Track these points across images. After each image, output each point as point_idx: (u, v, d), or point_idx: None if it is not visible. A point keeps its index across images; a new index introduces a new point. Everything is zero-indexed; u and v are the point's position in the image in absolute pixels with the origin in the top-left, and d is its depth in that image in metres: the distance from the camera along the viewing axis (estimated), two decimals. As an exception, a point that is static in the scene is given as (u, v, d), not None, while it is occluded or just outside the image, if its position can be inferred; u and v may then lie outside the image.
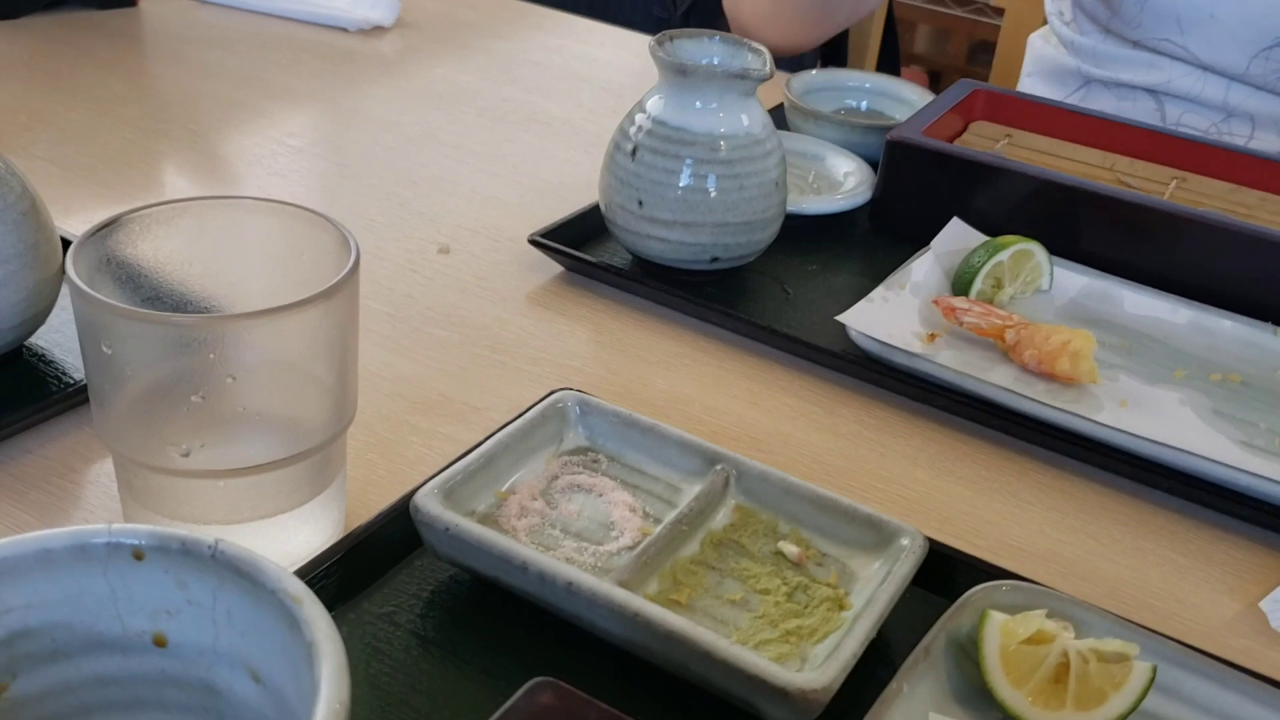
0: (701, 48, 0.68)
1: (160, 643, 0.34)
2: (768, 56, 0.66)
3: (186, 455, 0.42)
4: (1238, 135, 0.99)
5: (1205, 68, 0.98)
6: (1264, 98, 0.97)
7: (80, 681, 0.34)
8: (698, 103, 0.66)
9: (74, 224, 0.73)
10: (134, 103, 0.90)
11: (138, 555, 0.33)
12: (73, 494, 0.51)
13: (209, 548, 0.33)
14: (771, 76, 0.65)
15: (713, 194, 0.66)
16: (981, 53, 3.05)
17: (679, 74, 0.65)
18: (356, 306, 0.45)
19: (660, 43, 0.67)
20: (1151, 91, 1.02)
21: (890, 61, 1.61)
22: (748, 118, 0.66)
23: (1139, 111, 1.02)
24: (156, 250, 0.46)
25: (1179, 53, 0.98)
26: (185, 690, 0.35)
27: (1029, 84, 1.12)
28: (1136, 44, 1.01)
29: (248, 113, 0.90)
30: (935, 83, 2.95)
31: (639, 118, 0.67)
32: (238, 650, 0.34)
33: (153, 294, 0.47)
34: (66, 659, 0.34)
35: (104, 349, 0.41)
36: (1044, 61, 1.11)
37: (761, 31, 1.04)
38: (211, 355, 0.40)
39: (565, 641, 0.44)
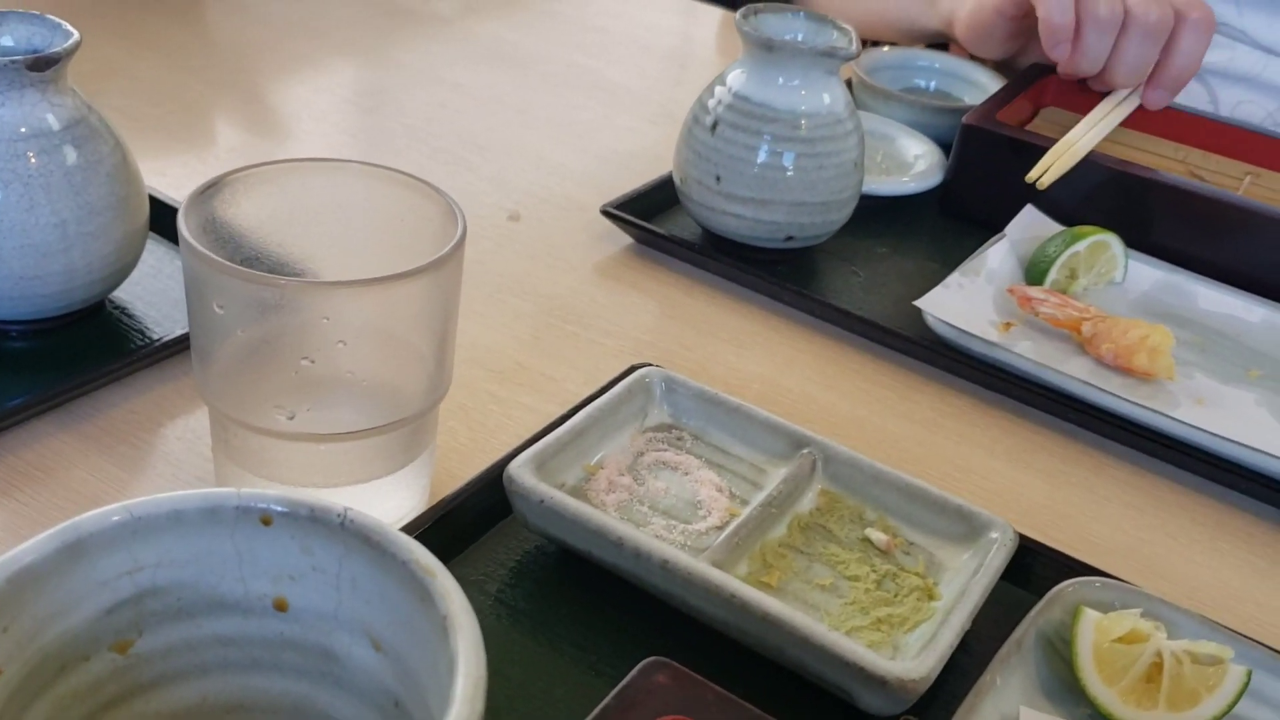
0: (786, 23, 0.68)
1: (281, 607, 0.35)
2: (854, 34, 0.66)
3: (291, 418, 0.42)
4: None
5: (1268, 50, 0.97)
6: None
7: (201, 641, 0.35)
8: (780, 79, 0.65)
9: (146, 175, 0.72)
10: (199, 53, 0.89)
11: (265, 520, 0.33)
12: (160, 449, 0.51)
13: (338, 516, 0.33)
14: (858, 55, 0.65)
15: (790, 172, 0.65)
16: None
17: (764, 49, 0.64)
18: (460, 278, 0.45)
19: (745, 16, 0.66)
20: (1204, 80, 1.01)
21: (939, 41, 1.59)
22: (830, 96, 0.66)
23: (1192, 100, 1.01)
24: (259, 210, 0.46)
25: (1238, 35, 0.97)
26: (303, 654, 0.35)
27: None
28: None
29: (312, 68, 0.90)
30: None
31: (719, 91, 0.67)
32: (360, 617, 0.34)
33: (253, 253, 0.47)
34: (190, 618, 0.34)
35: (216, 309, 0.41)
36: None
37: None
38: (325, 320, 0.41)
39: (655, 618, 0.45)
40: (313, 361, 0.42)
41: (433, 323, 0.44)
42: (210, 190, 0.44)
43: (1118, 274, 0.70)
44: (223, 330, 0.42)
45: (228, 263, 0.40)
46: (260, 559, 0.34)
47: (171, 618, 0.34)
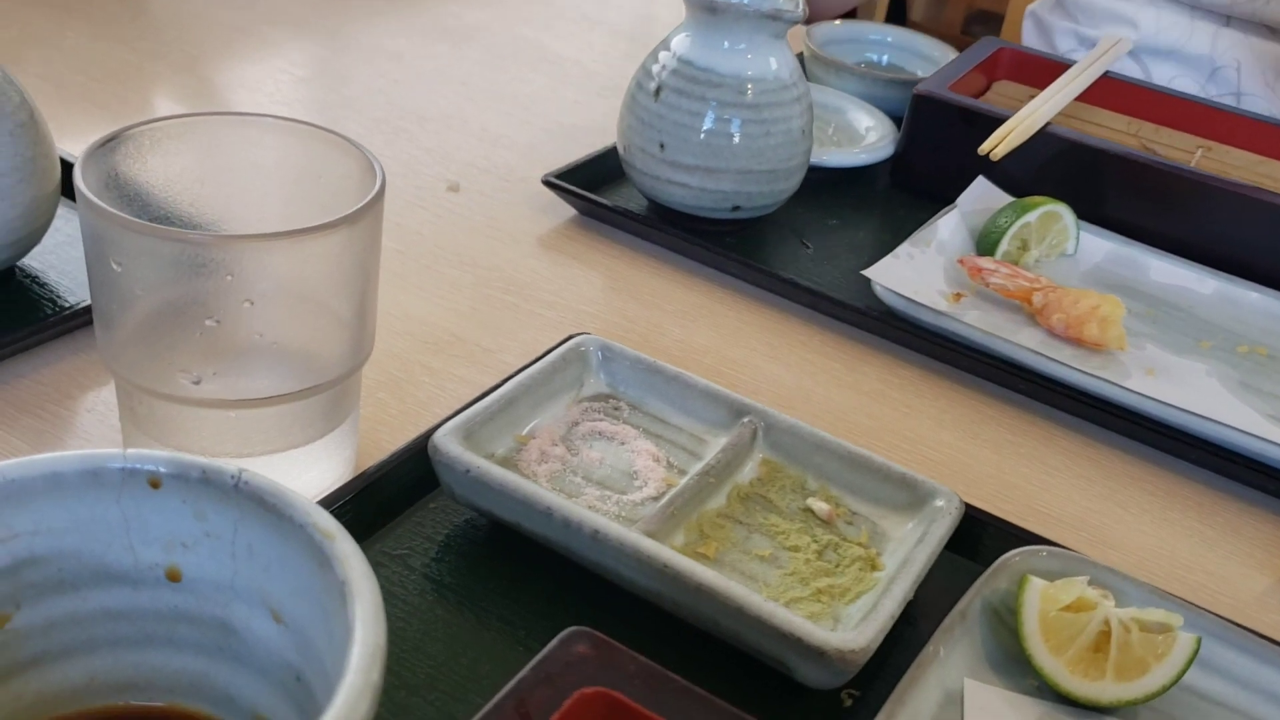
0: (731, -14, 0.66)
1: (174, 577, 0.32)
2: (801, -2, 0.64)
3: (198, 383, 0.40)
4: (1226, 96, 0.98)
5: (1194, 6, 0.96)
6: (1251, 43, 0.95)
7: (87, 615, 0.32)
8: (726, 43, 0.63)
9: (69, 144, 0.69)
10: (130, 23, 0.86)
11: (154, 483, 0.31)
12: (68, 421, 0.49)
13: (232, 477, 0.31)
14: (805, 19, 0.63)
15: (737, 139, 0.64)
16: (977, 22, 3.02)
17: (708, 12, 0.62)
18: (379, 235, 0.43)
19: (689, -21, 0.64)
20: (1138, 58, 1.00)
21: (898, 20, 1.59)
22: (776, 61, 0.64)
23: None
24: (167, 166, 0.44)
25: None
26: (198, 628, 0.33)
27: None
28: None
29: (249, 38, 0.87)
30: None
31: (664, 56, 0.65)
32: (258, 587, 0.32)
33: (161, 214, 0.44)
34: (74, 590, 0.32)
35: (114, 266, 0.39)
36: (1042, 29, 1.10)
37: None
38: (229, 277, 0.38)
39: (586, 591, 0.43)
40: (218, 322, 0.39)
41: (350, 282, 0.42)
42: (113, 142, 0.42)
43: (1069, 245, 0.69)
44: (122, 290, 0.39)
45: (121, 214, 0.37)
46: (150, 525, 0.32)
47: (53, 590, 0.31)
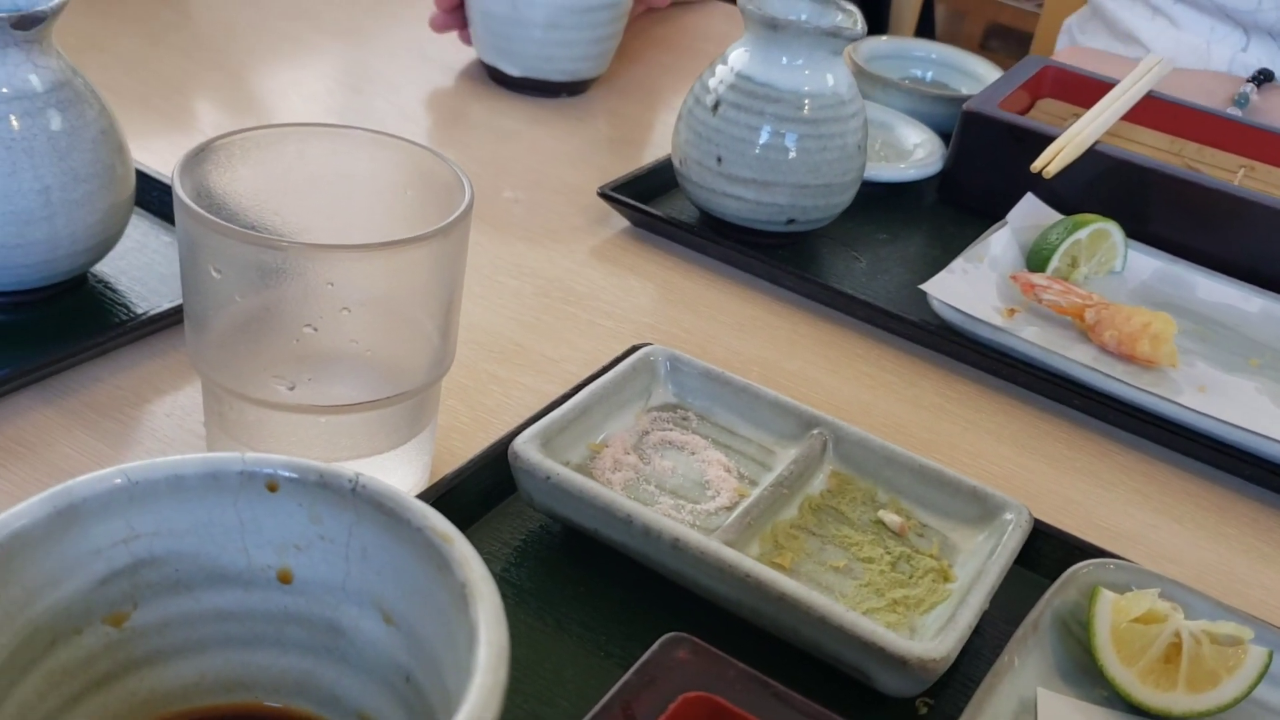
0: (789, 3, 0.67)
1: (285, 578, 0.33)
2: (859, 15, 0.65)
3: (292, 389, 0.41)
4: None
5: (1213, 22, 0.97)
6: (1276, 52, 0.96)
7: (200, 615, 0.33)
8: (784, 58, 0.64)
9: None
10: (185, 31, 0.87)
11: (272, 486, 0.32)
12: (148, 425, 0.50)
13: (349, 481, 0.31)
14: (863, 35, 0.64)
15: (793, 154, 0.64)
16: (996, 37, 3.03)
17: (769, 28, 0.63)
18: (466, 248, 0.44)
19: (749, -4, 0.65)
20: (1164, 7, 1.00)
21: (926, 36, 1.60)
22: (833, 77, 0.65)
23: (1155, 29, 1.00)
24: (255, 176, 0.45)
25: None
26: (307, 629, 0.34)
27: None
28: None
29: (300, 48, 0.88)
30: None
31: (721, 71, 0.66)
32: (370, 589, 0.32)
33: (247, 222, 0.45)
34: (188, 591, 0.33)
35: (213, 273, 0.39)
36: (1075, 45, 1.11)
37: None
38: (330, 285, 0.39)
39: (663, 598, 0.43)
40: (315, 329, 0.40)
41: (438, 292, 0.43)
42: (204, 152, 0.43)
43: (1118, 263, 0.69)
44: (220, 296, 0.40)
45: (228, 224, 0.38)
46: (265, 528, 0.32)
47: (169, 590, 0.32)
